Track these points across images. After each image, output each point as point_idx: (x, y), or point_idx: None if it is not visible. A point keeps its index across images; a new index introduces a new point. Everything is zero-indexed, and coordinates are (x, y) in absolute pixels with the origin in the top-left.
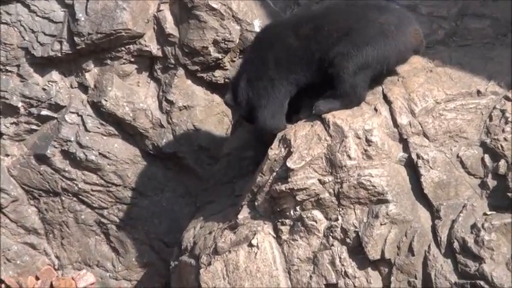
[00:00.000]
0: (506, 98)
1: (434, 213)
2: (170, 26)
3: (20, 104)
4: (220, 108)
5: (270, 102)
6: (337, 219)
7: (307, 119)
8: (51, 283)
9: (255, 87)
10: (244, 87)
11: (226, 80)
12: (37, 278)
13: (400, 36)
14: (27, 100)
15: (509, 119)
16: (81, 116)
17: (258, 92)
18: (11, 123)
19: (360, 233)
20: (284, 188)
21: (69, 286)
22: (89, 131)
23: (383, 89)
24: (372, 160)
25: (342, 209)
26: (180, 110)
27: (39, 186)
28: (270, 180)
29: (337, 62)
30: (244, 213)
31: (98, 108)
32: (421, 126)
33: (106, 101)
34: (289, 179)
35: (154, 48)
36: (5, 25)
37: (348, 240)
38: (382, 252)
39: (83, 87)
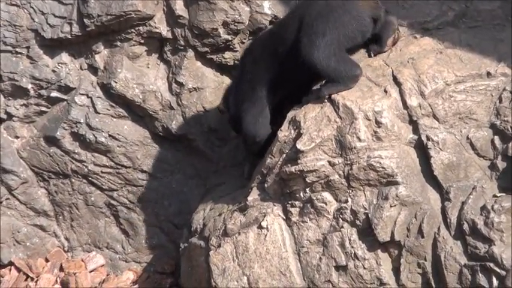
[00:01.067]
0: None
1: (444, 195)
2: (180, 8)
3: (29, 86)
4: None
5: (250, 106)
6: (346, 201)
7: (317, 100)
8: (61, 265)
9: (239, 90)
10: (233, 92)
11: (236, 61)
12: (47, 260)
13: (348, 4)
14: (37, 82)
15: None
16: (90, 97)
17: (241, 95)
18: (21, 105)
19: (369, 215)
20: (294, 170)
21: (78, 268)
22: (99, 113)
23: (393, 71)
24: (382, 142)
25: (352, 190)
26: (190, 91)
27: (49, 168)
28: (279, 162)
29: (300, 48)
30: (253, 195)
31: (107, 90)
32: (431, 108)
33: (116, 82)
34: (299, 161)
35: (164, 30)
36: (15, 7)
37: (357, 222)
38: (392, 234)
39: (93, 69)
